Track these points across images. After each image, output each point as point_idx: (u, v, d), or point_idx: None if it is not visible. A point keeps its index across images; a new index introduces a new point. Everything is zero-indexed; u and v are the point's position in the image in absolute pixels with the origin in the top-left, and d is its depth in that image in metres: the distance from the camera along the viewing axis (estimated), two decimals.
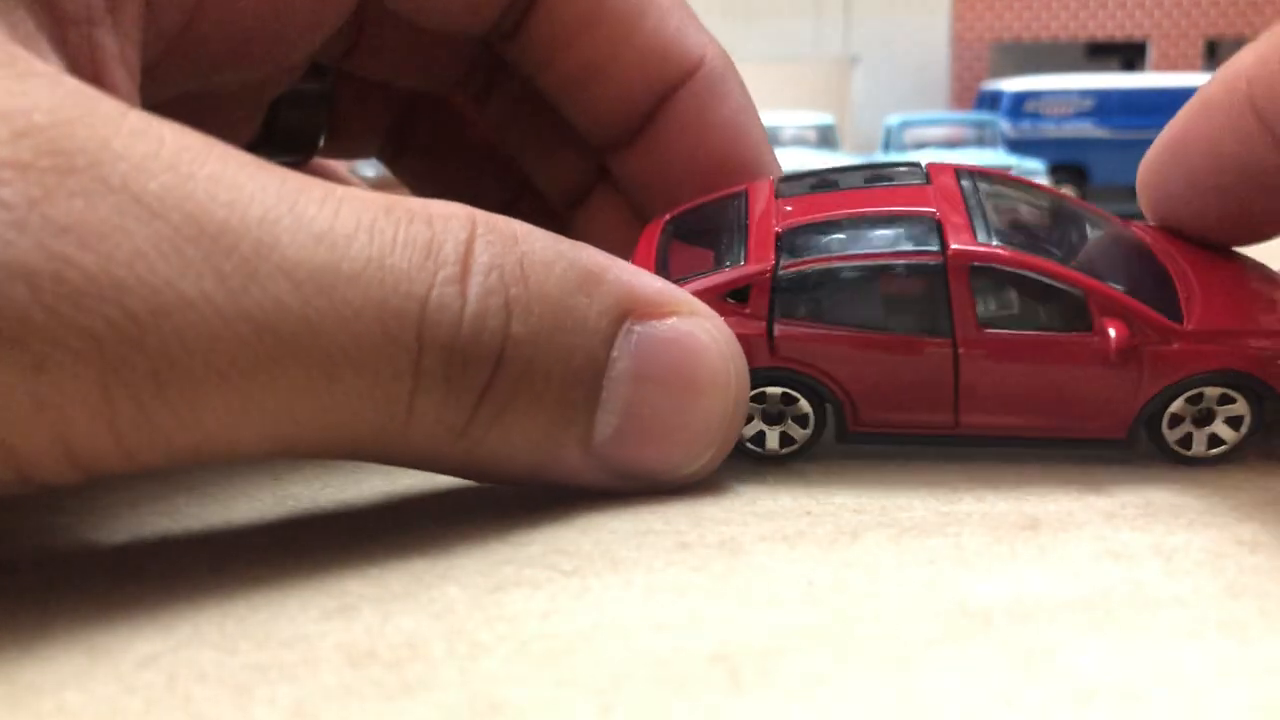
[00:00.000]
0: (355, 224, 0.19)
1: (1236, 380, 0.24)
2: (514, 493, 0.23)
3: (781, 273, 0.24)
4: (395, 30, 0.30)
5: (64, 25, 0.20)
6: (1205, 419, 0.24)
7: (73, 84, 0.17)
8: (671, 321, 0.22)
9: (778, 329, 0.24)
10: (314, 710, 0.15)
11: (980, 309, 0.24)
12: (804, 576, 0.19)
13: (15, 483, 0.17)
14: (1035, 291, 0.24)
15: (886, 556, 0.20)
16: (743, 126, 0.30)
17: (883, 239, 0.24)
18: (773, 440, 0.25)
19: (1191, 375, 0.24)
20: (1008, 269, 0.23)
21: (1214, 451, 0.24)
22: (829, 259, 0.24)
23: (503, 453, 0.21)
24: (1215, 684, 0.15)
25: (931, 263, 0.23)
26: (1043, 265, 0.23)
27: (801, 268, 0.24)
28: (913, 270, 0.24)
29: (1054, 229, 0.26)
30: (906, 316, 0.24)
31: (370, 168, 0.52)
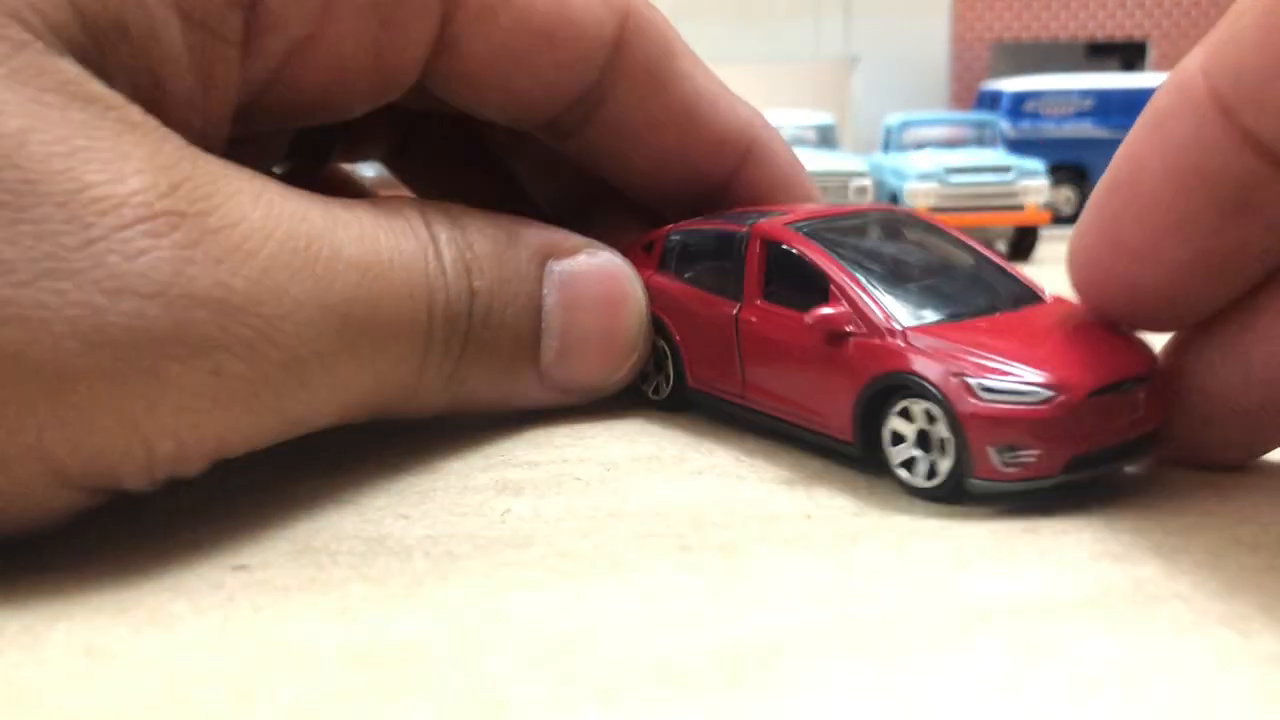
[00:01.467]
0: (373, 225, 0.23)
1: (920, 388, 0.22)
2: (516, 494, 0.23)
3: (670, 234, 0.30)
4: (431, 115, 0.31)
5: (165, 103, 0.22)
6: (926, 445, 0.23)
7: (174, 136, 0.21)
8: (582, 256, 0.27)
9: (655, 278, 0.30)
10: (315, 711, 0.15)
11: (766, 284, 0.27)
12: (804, 578, 0.19)
13: (164, 480, 0.20)
14: (802, 273, 0.26)
15: (886, 559, 0.20)
16: (793, 180, 0.33)
17: (721, 217, 0.30)
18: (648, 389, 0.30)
19: (885, 373, 0.23)
20: (783, 245, 0.27)
21: (931, 483, 0.23)
22: (692, 224, 0.30)
23: (479, 389, 0.26)
24: (1216, 673, 0.15)
25: (739, 232, 0.28)
26: (807, 247, 0.26)
27: (676, 231, 0.30)
28: (726, 238, 0.28)
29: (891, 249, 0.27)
30: (718, 279, 0.28)
31: (369, 168, 0.53)
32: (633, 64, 0.29)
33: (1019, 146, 0.95)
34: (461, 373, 0.25)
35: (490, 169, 0.39)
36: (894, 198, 0.93)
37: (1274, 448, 0.24)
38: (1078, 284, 0.23)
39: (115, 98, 0.20)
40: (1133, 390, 0.22)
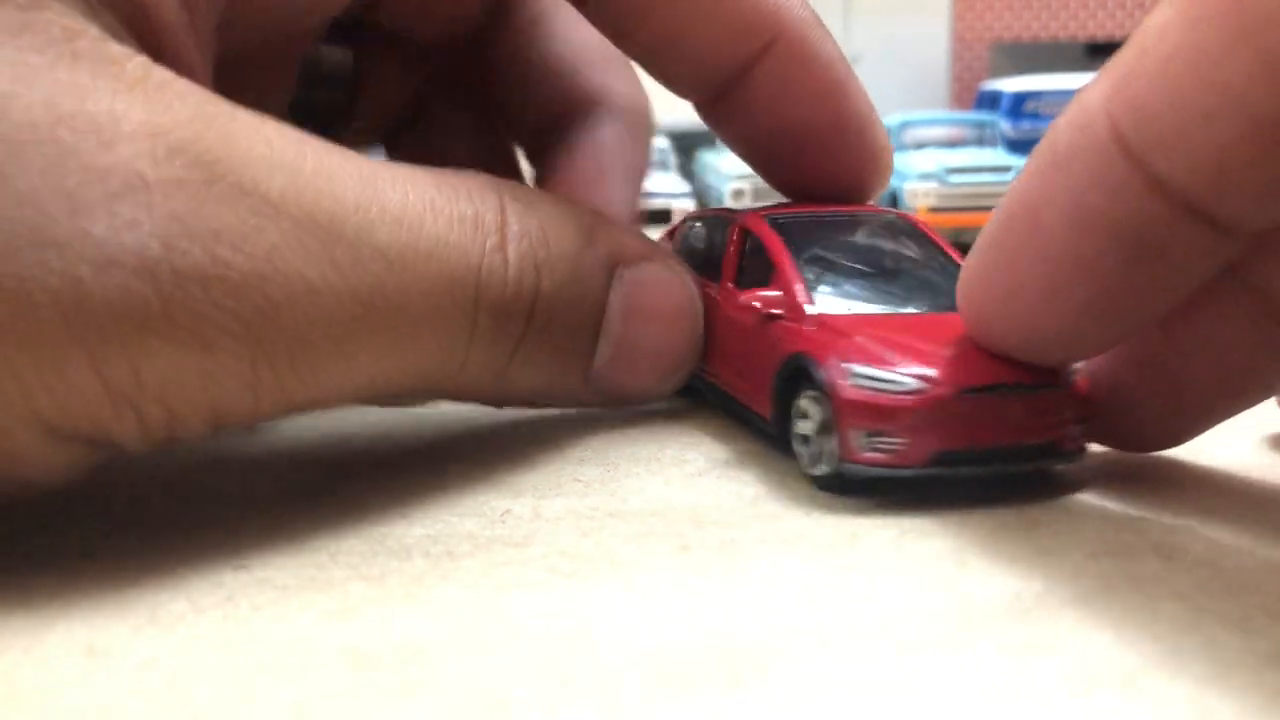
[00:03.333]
0: (422, 204, 0.22)
1: (811, 371, 0.23)
2: (515, 494, 0.23)
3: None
4: None
5: (159, 33, 0.21)
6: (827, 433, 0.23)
7: (193, 91, 0.20)
8: (650, 266, 0.27)
9: None
10: (315, 711, 0.15)
11: (739, 269, 0.28)
12: (804, 578, 0.19)
13: (163, 440, 0.20)
14: (764, 260, 0.27)
15: (886, 558, 0.20)
16: (831, 83, 0.30)
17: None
18: None
19: (792, 354, 0.24)
20: (752, 233, 0.28)
21: (818, 470, 0.23)
22: (705, 212, 0.33)
23: (525, 385, 0.25)
24: (1216, 673, 0.15)
25: (730, 219, 0.30)
26: (766, 235, 0.27)
27: (691, 218, 0.33)
28: (721, 224, 0.30)
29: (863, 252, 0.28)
30: (710, 265, 0.30)
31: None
32: None
33: (1019, 146, 0.95)
34: (512, 370, 0.24)
35: (506, 150, 0.39)
36: (894, 198, 0.93)
37: (1198, 434, 0.24)
38: (970, 323, 0.22)
39: (112, 49, 0.19)
40: (1018, 395, 0.22)
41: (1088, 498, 0.23)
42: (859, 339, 0.23)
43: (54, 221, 0.17)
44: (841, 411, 0.22)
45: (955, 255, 0.27)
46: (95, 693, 0.15)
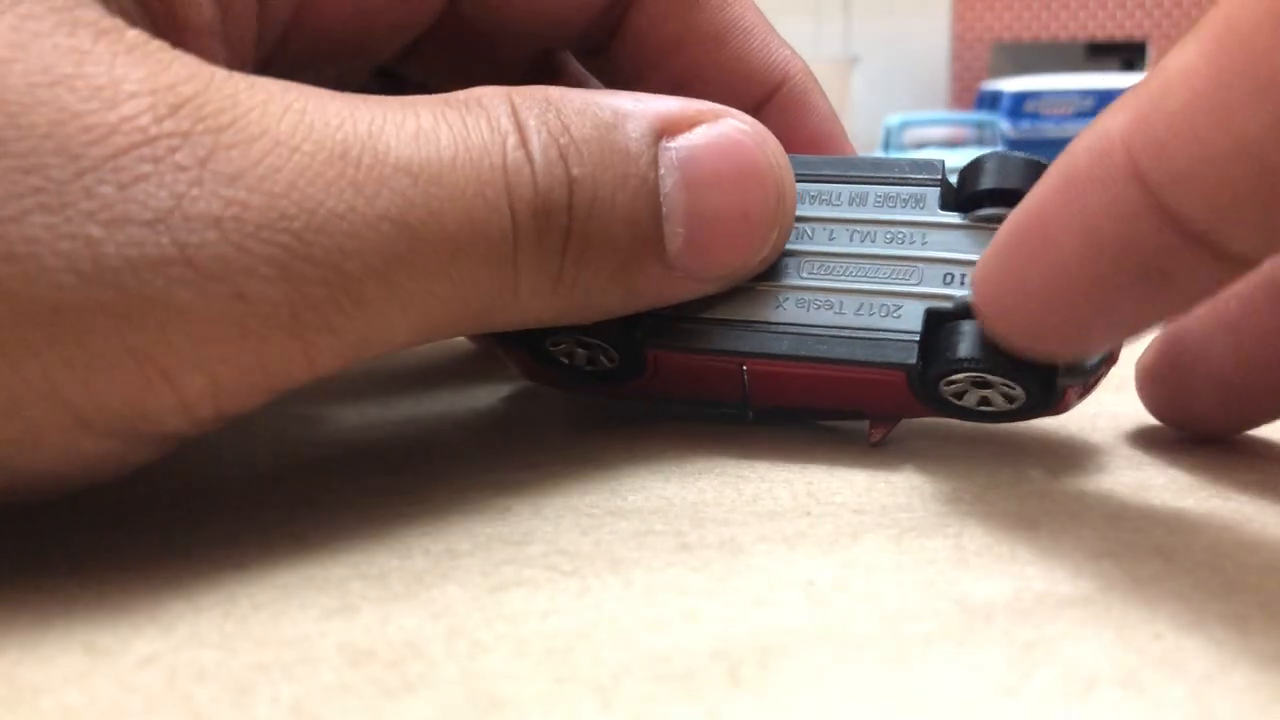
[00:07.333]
0: (433, 119, 0.21)
1: None
2: (516, 493, 0.23)
3: None
4: (461, 37, 0.31)
5: (185, 34, 0.22)
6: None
7: (188, 57, 0.20)
8: (700, 129, 0.24)
9: None
10: (314, 709, 0.15)
11: None
12: (804, 576, 0.19)
13: (214, 419, 0.19)
14: None
15: (886, 556, 0.20)
16: (826, 138, 0.31)
17: None
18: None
19: None
20: None
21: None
22: None
23: (596, 290, 0.24)
24: (1216, 673, 0.15)
25: None
26: None
27: None
28: None
29: None
30: None
31: None
32: None
33: (1019, 146, 0.95)
34: (570, 274, 0.23)
35: None
36: None
37: (1253, 426, 0.26)
38: (982, 309, 0.22)
39: (109, 21, 0.19)
40: None
41: (1088, 497, 0.23)
42: None
43: (59, 184, 0.17)
44: None
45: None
46: (94, 691, 0.15)
